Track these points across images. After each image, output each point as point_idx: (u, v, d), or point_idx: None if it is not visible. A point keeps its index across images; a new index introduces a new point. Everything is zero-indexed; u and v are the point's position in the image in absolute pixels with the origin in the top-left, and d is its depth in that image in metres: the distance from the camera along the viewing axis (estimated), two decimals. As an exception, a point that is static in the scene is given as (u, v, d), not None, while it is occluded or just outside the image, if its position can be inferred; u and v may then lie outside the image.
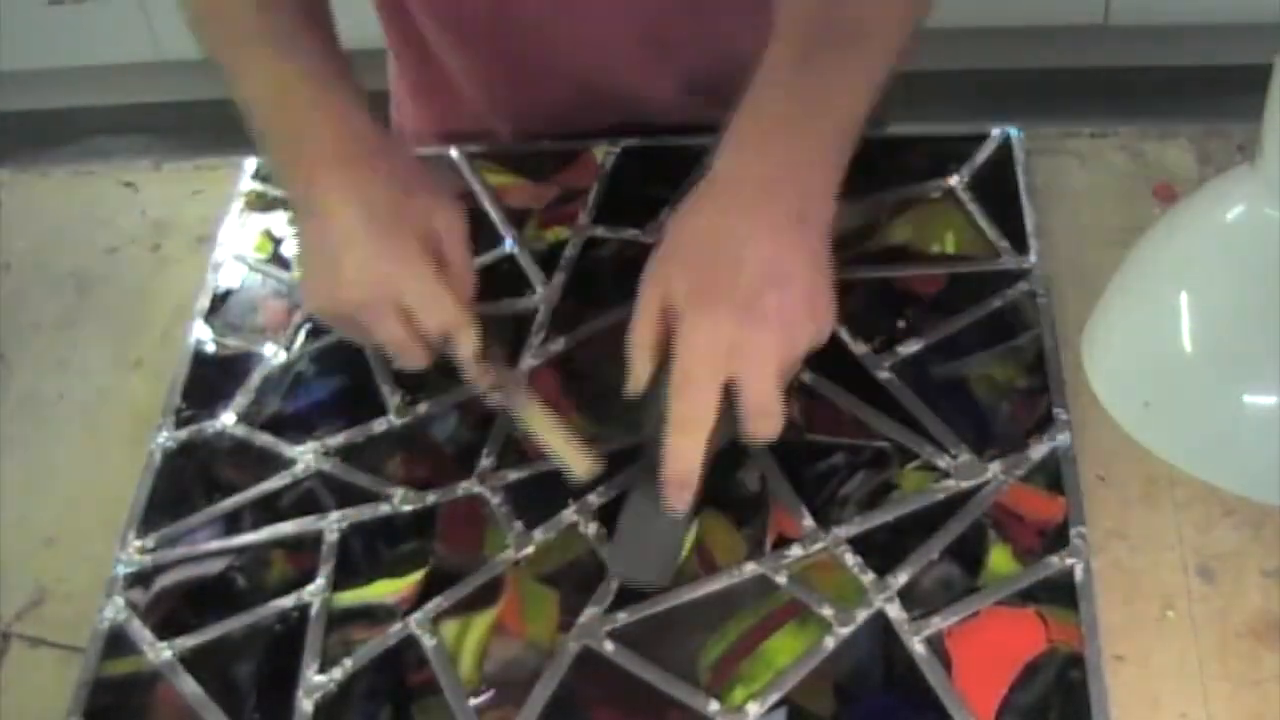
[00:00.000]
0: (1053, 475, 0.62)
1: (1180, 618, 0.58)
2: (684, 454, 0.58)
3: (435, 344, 0.64)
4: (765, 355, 0.57)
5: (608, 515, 0.64)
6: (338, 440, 0.69)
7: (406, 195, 0.63)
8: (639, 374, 0.60)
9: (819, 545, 0.62)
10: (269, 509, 0.67)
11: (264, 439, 0.70)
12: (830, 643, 0.58)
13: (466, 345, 0.64)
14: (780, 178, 0.60)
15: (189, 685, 0.61)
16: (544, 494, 0.65)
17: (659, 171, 0.79)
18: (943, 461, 0.64)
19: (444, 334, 0.63)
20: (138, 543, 0.66)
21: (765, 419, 0.59)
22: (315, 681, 0.60)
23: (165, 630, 0.63)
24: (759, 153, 0.61)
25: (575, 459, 0.64)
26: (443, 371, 0.70)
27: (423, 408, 0.70)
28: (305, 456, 0.69)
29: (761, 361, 0.57)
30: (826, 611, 0.59)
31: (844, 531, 0.62)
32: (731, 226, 0.59)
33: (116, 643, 0.63)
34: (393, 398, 0.70)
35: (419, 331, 0.63)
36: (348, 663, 0.61)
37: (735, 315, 0.57)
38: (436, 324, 0.63)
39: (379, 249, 0.62)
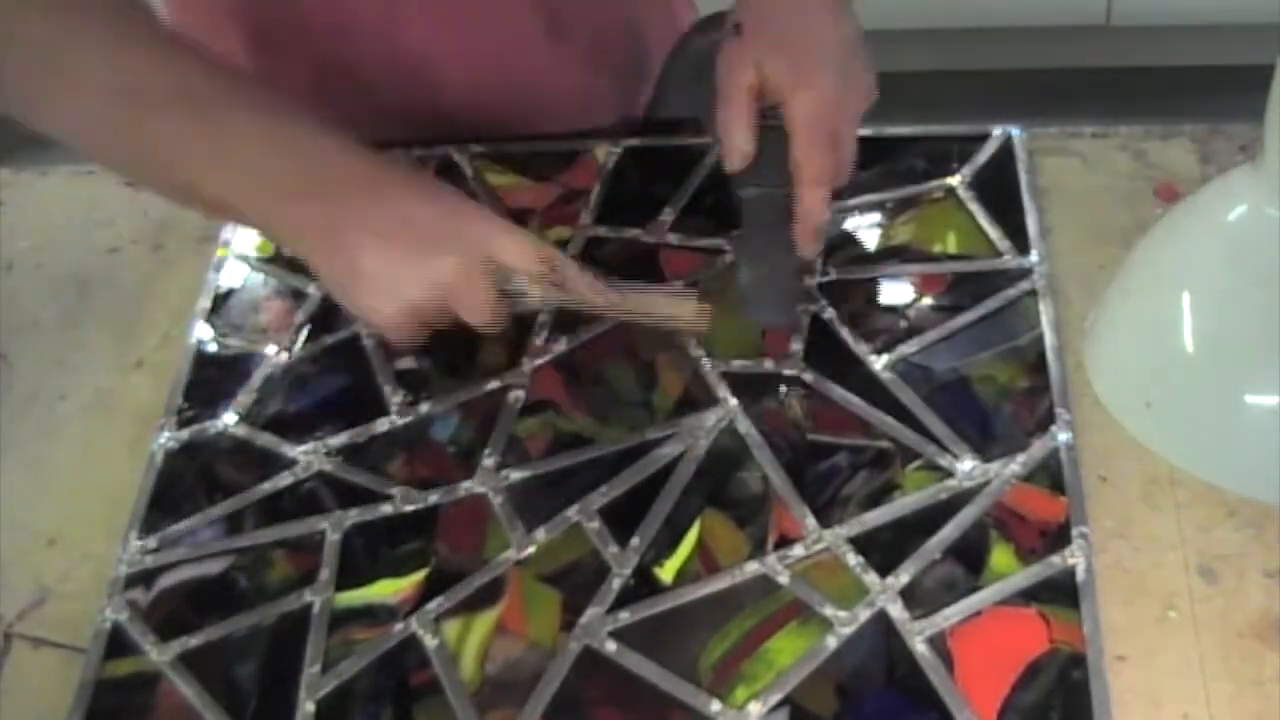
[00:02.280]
0: (1054, 475, 0.62)
1: (1182, 618, 0.58)
2: (820, 205, 0.66)
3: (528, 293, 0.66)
4: (856, 111, 0.67)
5: (610, 515, 0.64)
6: (339, 440, 0.69)
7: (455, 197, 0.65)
8: (744, 149, 0.67)
9: (821, 545, 0.62)
10: (270, 509, 0.67)
11: (265, 439, 0.70)
12: (832, 642, 0.58)
13: (571, 265, 0.66)
14: None
15: (191, 685, 0.61)
16: (545, 494, 0.65)
17: (660, 171, 0.79)
18: (944, 461, 0.64)
19: (547, 267, 0.64)
20: (139, 543, 0.66)
21: (849, 167, 0.67)
22: (317, 681, 0.60)
23: (167, 630, 0.63)
24: None
25: (685, 310, 0.68)
26: (444, 371, 0.71)
27: (424, 407, 0.70)
28: (307, 456, 0.69)
29: (854, 116, 0.67)
30: (828, 611, 0.59)
31: (846, 531, 0.62)
32: (796, 10, 0.67)
33: (118, 643, 0.63)
34: (394, 397, 0.70)
35: (509, 281, 0.64)
36: (349, 663, 0.61)
37: (834, 80, 0.65)
38: (535, 261, 0.64)
39: (451, 209, 0.63)
